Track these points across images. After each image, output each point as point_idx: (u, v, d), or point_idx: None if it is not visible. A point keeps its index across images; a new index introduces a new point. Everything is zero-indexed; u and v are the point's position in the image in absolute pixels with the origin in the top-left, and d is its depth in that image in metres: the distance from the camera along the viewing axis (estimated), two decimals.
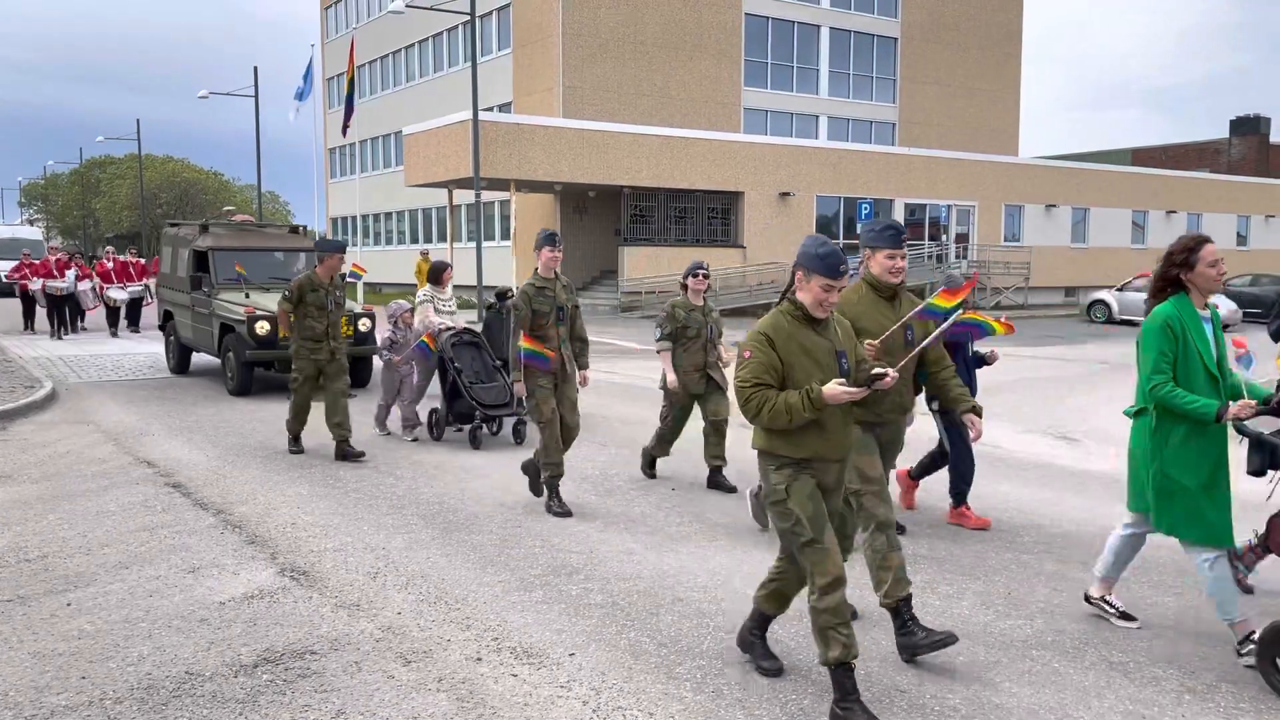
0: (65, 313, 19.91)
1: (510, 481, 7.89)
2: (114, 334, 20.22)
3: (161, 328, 15.27)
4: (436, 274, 10.21)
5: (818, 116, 39.84)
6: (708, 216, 31.13)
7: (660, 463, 8.53)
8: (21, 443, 9.33)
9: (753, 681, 4.23)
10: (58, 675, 4.26)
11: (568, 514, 6.83)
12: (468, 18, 25.91)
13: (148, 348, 18.01)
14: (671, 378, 7.52)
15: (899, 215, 34.05)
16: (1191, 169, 49.16)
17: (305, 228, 15.37)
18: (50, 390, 11.97)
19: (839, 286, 3.88)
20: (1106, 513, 7.10)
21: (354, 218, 46.81)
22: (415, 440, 9.57)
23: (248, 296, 12.58)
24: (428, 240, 40.54)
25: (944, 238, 35.01)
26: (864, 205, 29.34)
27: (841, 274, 3.85)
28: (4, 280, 33.66)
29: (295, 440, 9.02)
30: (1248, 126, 53.15)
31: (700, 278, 7.49)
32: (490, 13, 36.14)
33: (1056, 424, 10.76)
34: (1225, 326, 25.08)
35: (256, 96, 37.25)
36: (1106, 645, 4.67)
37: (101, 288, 20.32)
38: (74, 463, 8.48)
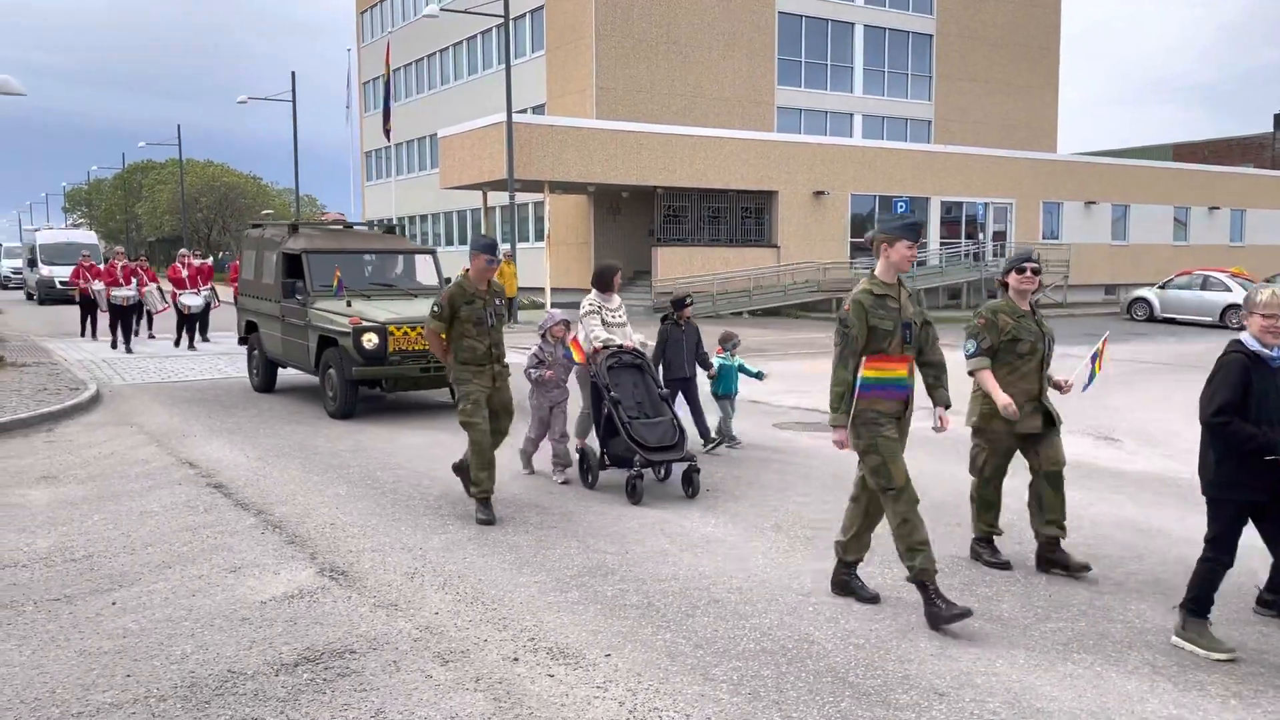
0: (131, 323, 18.00)
1: (546, 482, 7.91)
2: (191, 346, 18.11)
3: (243, 340, 13.70)
4: (605, 278, 8.16)
5: (852, 114, 39.60)
6: (741, 216, 31.05)
7: (700, 464, 8.49)
8: (67, 444, 9.50)
9: (790, 683, 4.21)
10: (103, 673, 4.33)
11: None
12: (501, 20, 26.04)
13: (208, 349, 17.89)
14: (1004, 399, 5.39)
15: (935, 213, 33.80)
16: (1235, 164, 48.30)
17: (399, 227, 14.49)
18: (95, 392, 12.17)
19: None
20: (1148, 514, 6.99)
21: (390, 220, 47.19)
22: (566, 482, 7.90)
23: (349, 305, 11.15)
24: (462, 243, 40.78)
25: (981, 236, 34.67)
26: (899, 204, 29.14)
27: None
28: (58, 286, 32.65)
29: (485, 504, 6.74)
30: None
31: (1029, 274, 5.63)
32: (523, 15, 36.29)
33: (1096, 424, 10.62)
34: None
35: (294, 101, 37.69)
36: (1150, 649, 4.60)
37: (174, 295, 18.05)
38: (118, 464, 8.62)
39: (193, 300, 18.03)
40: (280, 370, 13.16)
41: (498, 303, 6.96)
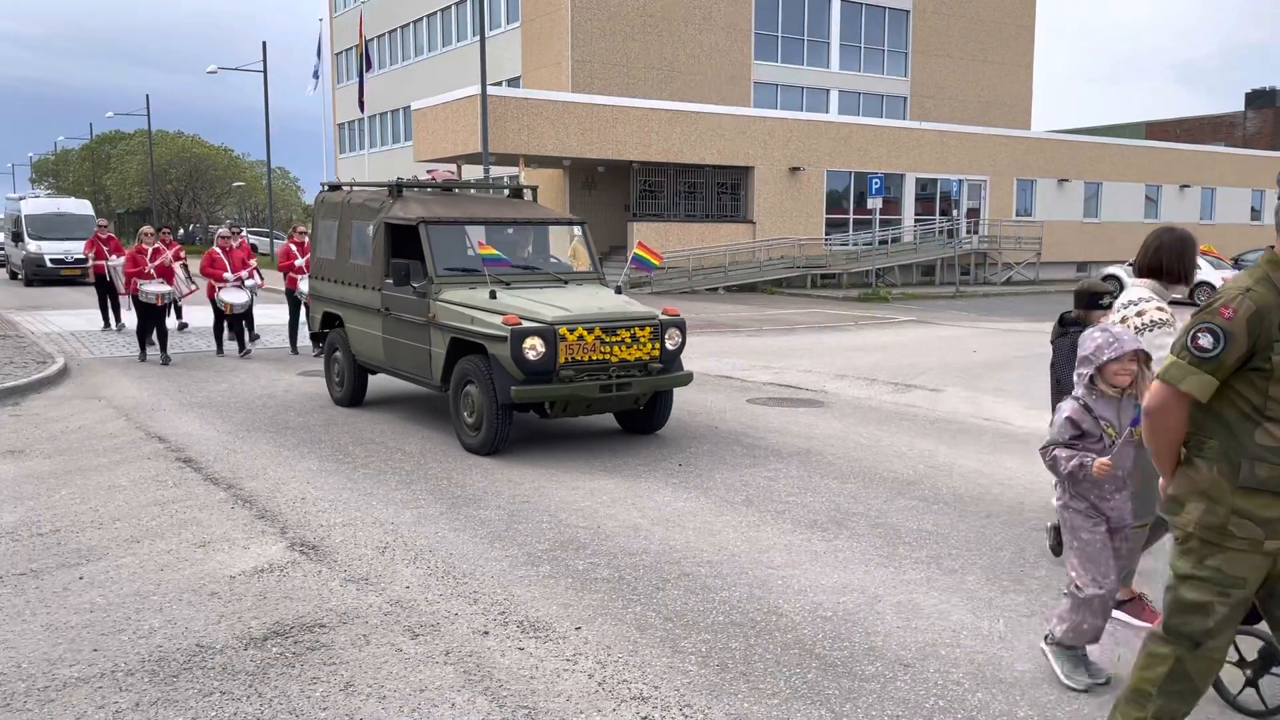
0: (165, 325, 13.24)
1: (517, 458, 7.92)
2: (243, 349, 13.79)
3: (316, 338, 10.85)
4: (1188, 256, 4.37)
5: (828, 90, 39.54)
6: (717, 191, 30.98)
7: (672, 438, 8.53)
8: (34, 418, 9.40)
9: (757, 655, 4.26)
10: (70, 647, 4.31)
11: None
12: None
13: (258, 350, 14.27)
14: None
15: (910, 190, 33.90)
16: (1206, 142, 48.69)
17: (531, 189, 10.81)
18: (62, 366, 12.03)
19: None
20: None
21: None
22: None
23: (494, 296, 8.18)
24: None
25: (955, 212, 34.82)
26: (874, 180, 29.18)
27: None
28: (49, 265, 28.51)
29: None
30: (1263, 99, 52.57)
31: None
32: None
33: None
34: None
35: (265, 72, 37.16)
36: (1114, 621, 4.67)
37: (211, 287, 13.73)
38: (86, 438, 8.54)
39: (236, 297, 13.62)
40: (371, 377, 10.33)
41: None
